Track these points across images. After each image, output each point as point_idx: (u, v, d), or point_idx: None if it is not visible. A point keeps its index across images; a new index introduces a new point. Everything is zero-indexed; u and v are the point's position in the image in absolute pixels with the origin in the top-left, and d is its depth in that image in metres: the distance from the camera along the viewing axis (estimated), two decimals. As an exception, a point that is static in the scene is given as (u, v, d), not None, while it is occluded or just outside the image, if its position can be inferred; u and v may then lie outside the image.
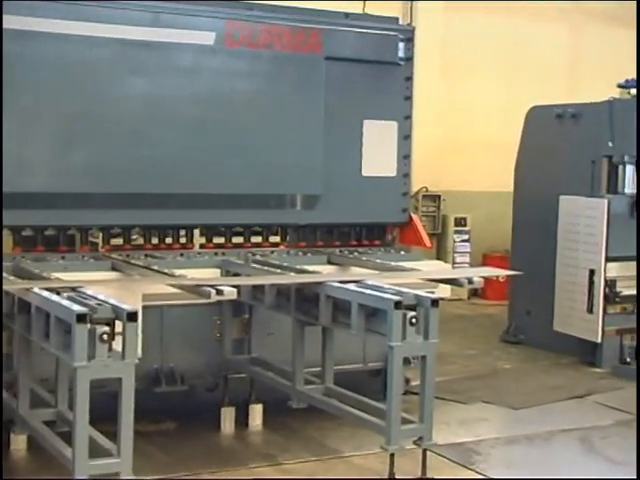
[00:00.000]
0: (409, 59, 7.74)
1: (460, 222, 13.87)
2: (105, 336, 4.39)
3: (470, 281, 5.96)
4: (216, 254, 7.11)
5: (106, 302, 4.62)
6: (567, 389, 8.47)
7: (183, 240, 7.20)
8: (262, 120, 7.10)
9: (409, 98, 7.80)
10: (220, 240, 7.36)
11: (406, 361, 5.51)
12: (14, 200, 6.07)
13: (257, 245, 7.42)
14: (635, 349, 9.22)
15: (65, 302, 4.65)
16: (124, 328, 4.46)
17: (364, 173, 7.59)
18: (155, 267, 6.20)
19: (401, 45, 7.66)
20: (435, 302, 5.23)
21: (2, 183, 6.07)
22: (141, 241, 7.11)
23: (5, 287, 5.15)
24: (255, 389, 7.00)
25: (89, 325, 4.39)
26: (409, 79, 7.77)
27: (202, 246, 7.30)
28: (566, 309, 9.52)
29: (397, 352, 5.17)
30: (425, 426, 5.36)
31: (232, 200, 7.10)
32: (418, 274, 6.28)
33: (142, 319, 5.72)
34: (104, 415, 4.73)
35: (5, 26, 6.03)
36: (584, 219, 9.35)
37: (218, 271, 6.73)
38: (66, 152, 6.50)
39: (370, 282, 5.66)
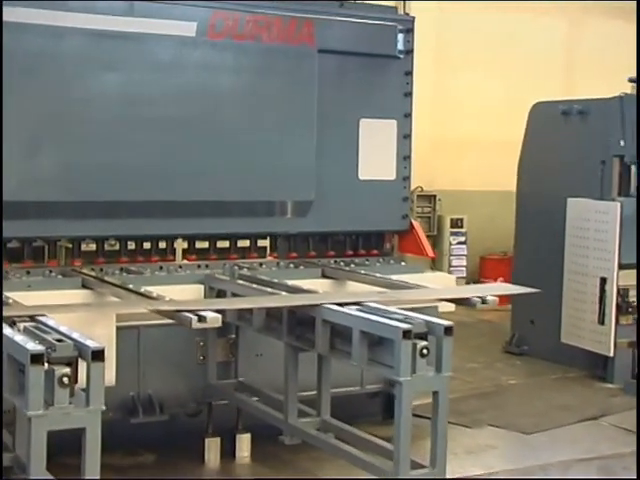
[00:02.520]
0: (409, 52, 7.13)
1: (456, 223, 13.38)
2: (65, 379, 3.71)
3: (484, 301, 5.32)
4: (199, 266, 6.50)
5: (68, 336, 3.94)
6: (579, 409, 7.86)
7: (163, 246, 6.59)
8: (249, 119, 6.49)
9: (409, 94, 7.20)
10: (204, 245, 6.76)
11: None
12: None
13: (244, 250, 6.85)
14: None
15: (19, 337, 3.96)
16: (88, 369, 3.78)
17: (361, 177, 7.01)
18: (131, 286, 5.55)
19: (400, 36, 7.05)
20: (449, 329, 4.57)
21: (2, 191, 5.50)
22: (117, 248, 6.50)
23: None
24: (242, 417, 6.38)
25: (46, 366, 3.73)
26: (409, 74, 7.17)
27: (184, 252, 6.69)
28: (574, 319, 8.93)
29: (406, 388, 4.48)
30: (437, 470, 4.66)
31: (217, 208, 6.52)
32: (425, 292, 5.64)
33: (117, 341, 5.22)
34: (73, 446, 4.01)
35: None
36: (594, 223, 8.75)
37: (201, 288, 6.13)
38: (32, 156, 5.88)
39: (373, 304, 5.00)
